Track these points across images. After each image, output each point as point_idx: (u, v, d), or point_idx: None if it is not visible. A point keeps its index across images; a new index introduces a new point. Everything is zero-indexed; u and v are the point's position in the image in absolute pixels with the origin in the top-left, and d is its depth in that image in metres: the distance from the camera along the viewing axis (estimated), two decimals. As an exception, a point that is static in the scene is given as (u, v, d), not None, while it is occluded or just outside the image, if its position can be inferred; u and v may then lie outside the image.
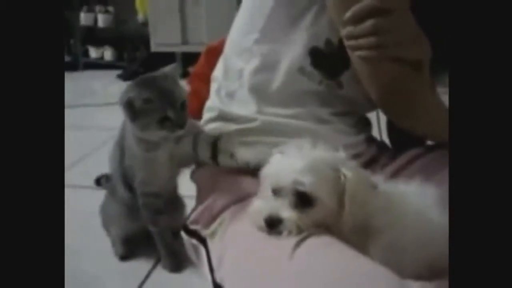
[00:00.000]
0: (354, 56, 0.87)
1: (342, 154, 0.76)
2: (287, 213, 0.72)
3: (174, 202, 1.20)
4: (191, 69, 2.48)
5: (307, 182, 0.71)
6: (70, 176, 1.72)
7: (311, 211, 0.72)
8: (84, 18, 3.84)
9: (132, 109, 0.94)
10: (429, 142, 1.04)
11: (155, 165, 1.05)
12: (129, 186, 1.12)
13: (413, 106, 0.89)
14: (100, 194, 1.27)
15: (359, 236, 0.72)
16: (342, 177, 0.72)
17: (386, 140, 1.17)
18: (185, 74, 2.45)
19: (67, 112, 2.55)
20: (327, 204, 0.72)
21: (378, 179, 0.80)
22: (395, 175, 0.95)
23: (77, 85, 3.39)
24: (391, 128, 1.16)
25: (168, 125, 0.95)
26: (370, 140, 1.05)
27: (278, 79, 0.95)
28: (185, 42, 3.31)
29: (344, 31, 0.85)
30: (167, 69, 1.02)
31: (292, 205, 0.73)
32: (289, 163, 0.74)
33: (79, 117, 2.57)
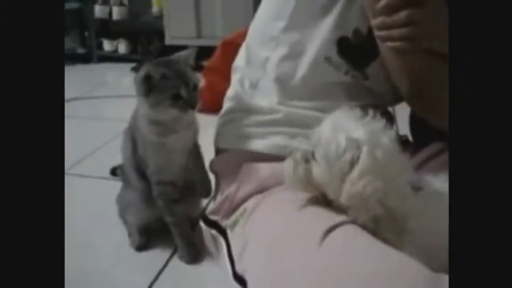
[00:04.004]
0: (385, 47, 0.85)
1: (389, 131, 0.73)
2: (298, 156, 0.77)
3: (191, 191, 1.18)
4: (205, 63, 2.48)
5: (313, 138, 0.74)
6: (86, 167, 1.73)
7: (309, 164, 0.75)
8: (99, 10, 3.83)
9: (148, 83, 0.96)
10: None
11: (168, 151, 1.05)
12: (142, 175, 1.11)
13: (442, 99, 0.87)
14: (116, 185, 1.27)
15: (392, 234, 0.70)
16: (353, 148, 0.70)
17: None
18: (198, 68, 2.43)
19: (82, 104, 2.58)
20: (319, 162, 0.73)
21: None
22: (418, 169, 0.93)
23: (91, 77, 3.39)
24: (414, 122, 1.14)
25: (180, 104, 0.97)
26: (394, 133, 1.03)
27: (303, 67, 0.94)
28: (199, 35, 3.30)
29: (376, 21, 0.83)
30: (184, 53, 1.05)
31: (307, 155, 0.76)
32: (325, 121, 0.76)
33: (93, 109, 2.57)
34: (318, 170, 0.74)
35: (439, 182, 0.76)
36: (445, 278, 0.58)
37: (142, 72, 0.97)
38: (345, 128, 0.72)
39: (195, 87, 0.99)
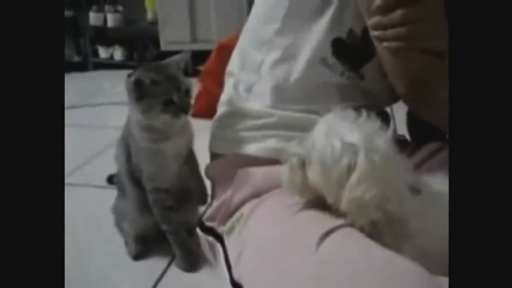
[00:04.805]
0: (381, 47, 0.84)
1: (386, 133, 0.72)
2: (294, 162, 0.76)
3: (187, 198, 1.17)
4: (201, 68, 2.47)
5: (308, 143, 0.73)
6: (82, 175, 1.72)
7: (306, 170, 0.74)
8: (94, 18, 3.82)
9: (139, 88, 0.95)
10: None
11: (161, 157, 1.04)
12: (137, 183, 1.10)
13: (439, 98, 0.86)
14: (113, 193, 1.25)
15: (391, 237, 0.69)
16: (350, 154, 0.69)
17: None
18: (195, 72, 2.42)
19: (77, 112, 2.57)
20: (315, 168, 0.72)
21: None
22: (415, 169, 0.92)
23: (87, 85, 3.38)
24: (412, 121, 1.13)
25: (172, 109, 0.96)
26: (391, 134, 1.02)
27: (298, 69, 0.93)
28: (194, 40, 3.30)
29: (372, 21, 0.82)
30: (176, 57, 1.03)
31: (303, 161, 0.75)
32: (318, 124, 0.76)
33: (89, 117, 2.55)
34: (314, 175, 0.73)
35: (437, 183, 0.75)
36: (444, 281, 0.56)
37: (133, 77, 0.95)
38: (339, 132, 0.71)
39: (187, 91, 0.98)
